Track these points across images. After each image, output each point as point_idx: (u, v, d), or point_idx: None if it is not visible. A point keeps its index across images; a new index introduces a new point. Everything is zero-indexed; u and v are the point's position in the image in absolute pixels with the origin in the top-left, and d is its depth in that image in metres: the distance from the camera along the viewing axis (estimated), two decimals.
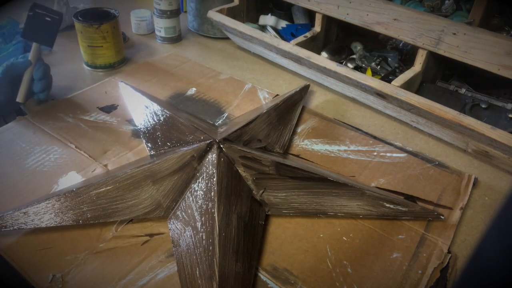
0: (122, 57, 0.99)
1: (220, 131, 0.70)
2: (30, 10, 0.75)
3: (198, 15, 1.12)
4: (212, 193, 0.55)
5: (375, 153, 0.73)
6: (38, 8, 0.75)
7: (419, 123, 0.80)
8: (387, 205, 0.60)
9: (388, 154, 0.73)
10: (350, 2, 0.87)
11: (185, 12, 1.24)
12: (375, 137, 0.77)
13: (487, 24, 0.87)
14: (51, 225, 0.54)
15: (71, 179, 0.64)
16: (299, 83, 0.88)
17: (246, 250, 0.53)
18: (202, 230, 0.53)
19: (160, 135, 0.68)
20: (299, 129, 0.78)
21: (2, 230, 0.53)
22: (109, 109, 0.81)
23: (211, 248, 0.51)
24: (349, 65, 0.95)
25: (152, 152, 0.68)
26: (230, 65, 1.01)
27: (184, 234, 0.55)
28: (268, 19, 1.07)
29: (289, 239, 0.58)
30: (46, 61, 0.79)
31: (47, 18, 0.76)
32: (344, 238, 0.58)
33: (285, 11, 1.10)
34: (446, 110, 0.71)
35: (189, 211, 0.56)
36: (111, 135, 0.74)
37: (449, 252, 0.57)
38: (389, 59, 0.93)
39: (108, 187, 0.56)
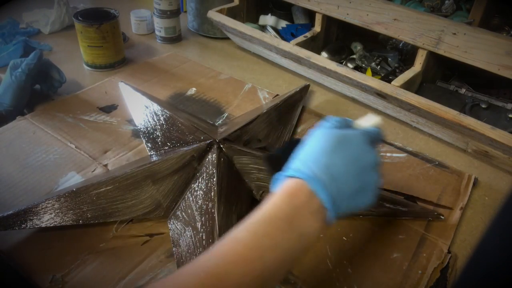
0: (122, 57, 0.99)
1: (220, 131, 0.70)
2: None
3: (198, 15, 1.12)
4: (212, 193, 0.55)
5: None
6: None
7: (419, 123, 0.80)
8: (387, 205, 0.60)
9: (388, 154, 0.73)
10: (350, 2, 0.87)
11: (185, 12, 1.24)
12: None
13: (487, 24, 0.87)
14: (51, 225, 0.54)
15: (71, 179, 0.64)
16: (299, 83, 0.88)
17: None
18: (202, 230, 0.53)
19: (160, 135, 0.68)
20: (299, 129, 0.78)
21: (3, 230, 0.53)
22: (109, 109, 0.81)
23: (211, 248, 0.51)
24: (349, 65, 0.95)
25: (152, 152, 0.68)
26: (230, 65, 1.01)
27: (184, 234, 0.55)
28: (268, 19, 1.07)
29: None
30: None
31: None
32: (344, 238, 0.58)
33: (285, 11, 1.10)
34: (446, 110, 0.71)
35: (189, 211, 0.56)
36: (111, 135, 0.74)
37: (449, 252, 0.57)
38: (389, 59, 0.93)
39: (108, 187, 0.56)
